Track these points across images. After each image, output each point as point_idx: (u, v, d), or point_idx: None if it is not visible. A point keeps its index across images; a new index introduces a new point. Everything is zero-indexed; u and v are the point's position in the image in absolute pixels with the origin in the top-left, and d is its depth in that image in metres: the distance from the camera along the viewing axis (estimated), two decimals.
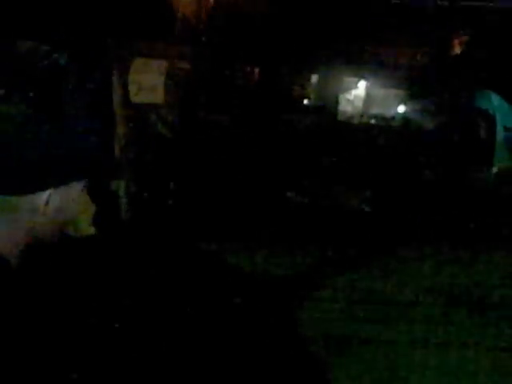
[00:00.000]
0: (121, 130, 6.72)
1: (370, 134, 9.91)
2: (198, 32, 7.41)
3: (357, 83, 10.19)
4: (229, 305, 5.81)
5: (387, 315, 6.00)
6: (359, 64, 9.66)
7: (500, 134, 11.24)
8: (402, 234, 7.92)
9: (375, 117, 10.44)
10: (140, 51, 6.97)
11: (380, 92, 10.36)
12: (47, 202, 1.57)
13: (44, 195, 1.56)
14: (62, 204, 1.64)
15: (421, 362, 5.08)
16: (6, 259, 1.63)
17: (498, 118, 11.30)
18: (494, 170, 10.96)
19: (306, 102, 9.80)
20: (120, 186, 6.48)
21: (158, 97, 7.01)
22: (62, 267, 4.36)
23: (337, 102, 9.80)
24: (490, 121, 11.29)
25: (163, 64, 7.04)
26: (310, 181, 8.17)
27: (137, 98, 6.87)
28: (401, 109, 10.61)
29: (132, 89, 6.87)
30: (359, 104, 10.16)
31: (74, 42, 6.76)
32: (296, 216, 7.61)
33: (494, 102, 11.35)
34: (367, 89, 10.29)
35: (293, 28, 8.36)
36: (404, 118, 10.66)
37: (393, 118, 10.57)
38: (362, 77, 10.12)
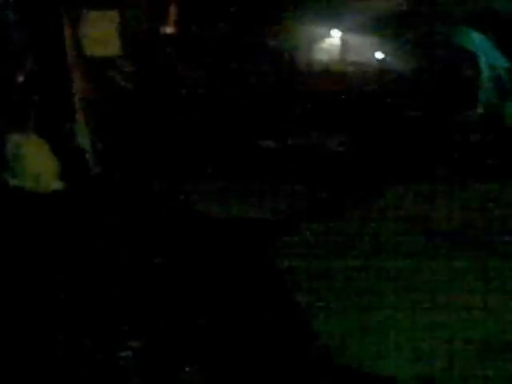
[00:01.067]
0: (78, 85, 6.51)
1: (346, 80, 9.70)
2: None
3: (329, 31, 9.94)
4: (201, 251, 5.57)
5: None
6: (330, 9, 9.38)
7: (485, 73, 10.99)
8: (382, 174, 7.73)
9: (352, 64, 10.21)
10: (90, 2, 6.74)
11: (356, 39, 10.13)
12: None
13: None
14: None
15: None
16: None
17: (482, 56, 11.06)
18: (479, 110, 10.74)
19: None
20: (85, 142, 6.31)
21: (114, 49, 6.78)
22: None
23: (310, 51, 9.53)
24: (472, 59, 11.05)
25: (115, 15, 6.82)
26: (285, 126, 7.94)
27: (91, 51, 6.64)
28: (379, 54, 10.37)
29: (85, 42, 6.64)
30: (335, 52, 9.92)
31: None
32: (271, 161, 7.39)
33: (475, 39, 11.10)
34: (342, 36, 10.05)
35: None
36: (381, 61, 10.43)
37: (370, 63, 10.33)
38: (334, 24, 9.87)
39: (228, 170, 6.98)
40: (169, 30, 7.38)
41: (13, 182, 5.86)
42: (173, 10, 7.51)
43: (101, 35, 6.76)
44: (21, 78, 6.10)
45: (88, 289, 4.45)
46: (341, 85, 9.54)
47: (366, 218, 6.28)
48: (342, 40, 10.68)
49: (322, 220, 6.25)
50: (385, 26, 11.09)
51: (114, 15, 6.82)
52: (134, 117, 6.63)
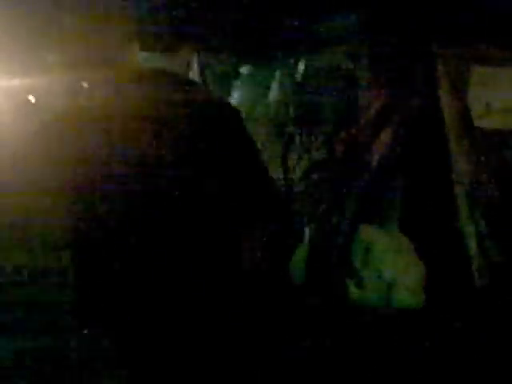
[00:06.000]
0: (462, 163, 4.81)
1: None
2: None
3: None
4: None
5: None
6: None
7: None
8: None
9: None
10: (484, 57, 5.07)
11: None
12: None
13: None
14: None
15: None
16: None
17: None
18: None
19: None
20: (472, 244, 4.52)
21: None
22: None
23: None
24: None
25: None
26: None
27: (484, 121, 4.92)
28: None
29: (476, 108, 4.95)
30: None
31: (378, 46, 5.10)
32: None
33: None
34: None
35: None
36: None
37: None
38: None
39: None
40: None
41: (356, 294, 4.23)
42: None
43: (502, 101, 5.03)
44: (378, 155, 4.55)
45: None
46: None
47: None
48: None
49: None
50: None
51: None
52: None
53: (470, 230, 4.57)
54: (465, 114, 4.95)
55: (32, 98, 3.77)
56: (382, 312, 4.09)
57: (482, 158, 4.75)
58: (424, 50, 4.97)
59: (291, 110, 5.13)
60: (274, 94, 5.32)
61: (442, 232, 4.50)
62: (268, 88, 5.41)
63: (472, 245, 4.54)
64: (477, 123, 4.98)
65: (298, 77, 5.01)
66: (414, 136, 4.74)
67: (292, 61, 5.07)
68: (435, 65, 4.94)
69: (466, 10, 5.08)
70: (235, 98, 5.64)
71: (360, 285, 4.35)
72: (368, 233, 4.46)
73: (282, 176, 4.83)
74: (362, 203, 4.55)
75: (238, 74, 5.94)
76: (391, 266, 4.30)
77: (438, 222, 4.53)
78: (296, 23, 5.05)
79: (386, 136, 4.77)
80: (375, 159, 4.72)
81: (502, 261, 4.43)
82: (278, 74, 5.20)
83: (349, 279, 4.37)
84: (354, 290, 4.34)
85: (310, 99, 4.96)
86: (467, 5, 5.09)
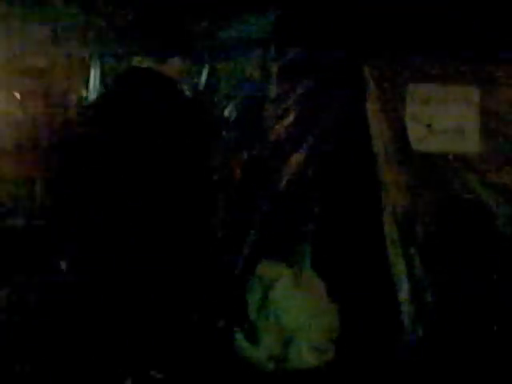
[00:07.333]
0: (394, 190, 3.98)
1: None
2: None
3: None
4: None
5: None
6: None
7: None
8: None
9: None
10: (425, 74, 4.32)
11: None
12: None
13: None
14: None
15: None
16: None
17: None
18: None
19: None
20: (403, 288, 3.65)
21: (470, 144, 4.21)
22: None
23: None
24: None
25: (474, 93, 4.30)
26: None
27: (424, 144, 4.12)
28: None
29: (415, 130, 4.15)
30: None
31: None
32: None
33: None
34: None
35: None
36: None
37: None
38: None
39: None
40: None
41: (245, 348, 3.29)
42: None
43: (446, 122, 4.27)
44: (286, 179, 3.72)
45: None
46: None
47: None
48: None
49: None
50: None
51: (471, 93, 4.32)
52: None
53: (401, 269, 3.73)
54: (400, 136, 4.17)
55: None
56: (274, 372, 3.17)
57: (420, 185, 3.94)
58: (348, 62, 4.22)
59: None
60: None
61: (366, 271, 3.63)
62: None
63: (403, 287, 3.69)
64: (416, 146, 4.21)
65: (200, 86, 4.24)
66: (334, 159, 3.93)
67: (194, 68, 4.30)
68: (363, 79, 4.18)
69: (401, 20, 4.37)
70: None
71: (251, 337, 3.41)
72: (269, 270, 3.56)
73: None
74: (264, 233, 3.69)
75: None
76: (293, 314, 3.39)
77: (361, 259, 3.67)
78: (200, 27, 4.32)
79: (297, 158, 3.97)
80: (283, 183, 3.90)
81: (440, 308, 3.54)
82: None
83: (238, 328, 3.44)
84: (242, 343, 3.40)
85: (210, 112, 4.17)
86: (402, 15, 4.37)
